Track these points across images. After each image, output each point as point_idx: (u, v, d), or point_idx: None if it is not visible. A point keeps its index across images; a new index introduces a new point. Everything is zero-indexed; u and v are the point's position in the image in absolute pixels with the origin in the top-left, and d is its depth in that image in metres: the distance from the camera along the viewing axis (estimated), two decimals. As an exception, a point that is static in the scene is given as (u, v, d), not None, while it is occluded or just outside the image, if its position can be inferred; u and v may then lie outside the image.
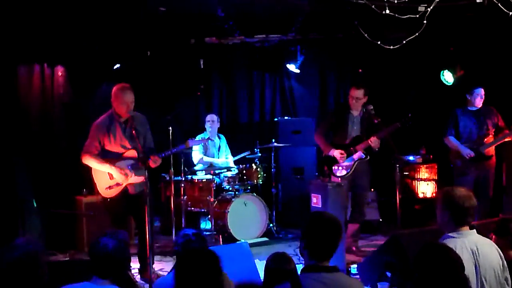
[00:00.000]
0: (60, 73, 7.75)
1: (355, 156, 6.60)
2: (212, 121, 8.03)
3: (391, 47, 6.75)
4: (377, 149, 6.53)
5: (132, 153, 5.65)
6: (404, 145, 7.65)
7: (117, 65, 7.92)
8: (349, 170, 6.60)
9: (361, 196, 6.79)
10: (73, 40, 7.33)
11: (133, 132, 5.51)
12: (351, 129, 6.67)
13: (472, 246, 3.52)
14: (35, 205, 6.85)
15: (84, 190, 7.35)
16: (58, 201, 7.34)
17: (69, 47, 7.43)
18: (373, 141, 6.45)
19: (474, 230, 3.64)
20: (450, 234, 3.59)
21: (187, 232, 3.85)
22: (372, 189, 8.02)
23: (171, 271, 4.37)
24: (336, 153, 6.56)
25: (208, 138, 7.83)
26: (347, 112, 6.68)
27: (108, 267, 3.28)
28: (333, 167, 6.62)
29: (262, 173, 7.74)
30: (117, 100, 5.62)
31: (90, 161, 5.63)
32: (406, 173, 8.34)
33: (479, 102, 6.87)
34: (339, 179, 6.50)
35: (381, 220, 7.99)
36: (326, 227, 3.17)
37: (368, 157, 6.64)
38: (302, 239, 3.20)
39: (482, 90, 6.86)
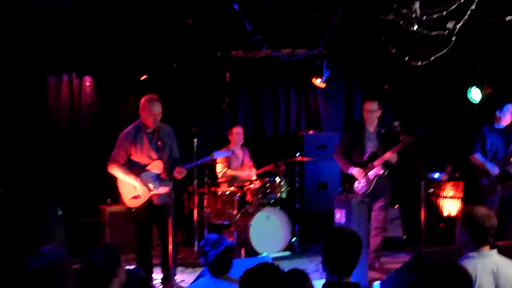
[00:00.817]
0: (88, 83, 7.90)
1: (374, 172, 6.62)
2: (237, 134, 8.09)
3: (419, 63, 6.75)
4: (395, 163, 6.55)
5: (158, 164, 5.72)
6: (430, 162, 7.61)
7: (144, 76, 8.03)
8: (368, 187, 6.63)
9: (382, 212, 6.77)
10: (102, 51, 7.46)
11: (159, 143, 5.59)
12: (367, 146, 6.73)
13: (493, 267, 3.47)
14: (60, 213, 6.93)
15: (109, 199, 7.44)
16: (83, 210, 7.44)
17: (97, 57, 7.56)
18: (389, 156, 6.49)
19: (495, 250, 3.59)
20: (470, 255, 3.55)
21: (212, 237, 3.91)
22: (396, 206, 8.00)
23: (192, 283, 4.43)
24: (355, 171, 6.62)
25: (232, 151, 7.87)
26: (363, 129, 6.74)
27: None
28: (354, 185, 6.66)
29: (285, 187, 7.75)
30: (144, 111, 5.71)
31: (115, 171, 5.72)
32: (431, 190, 8.29)
33: (508, 119, 6.83)
34: (360, 196, 6.50)
35: (405, 237, 7.94)
36: (345, 242, 3.20)
37: (387, 172, 6.64)
38: (322, 254, 3.22)
39: None
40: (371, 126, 6.74)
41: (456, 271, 2.99)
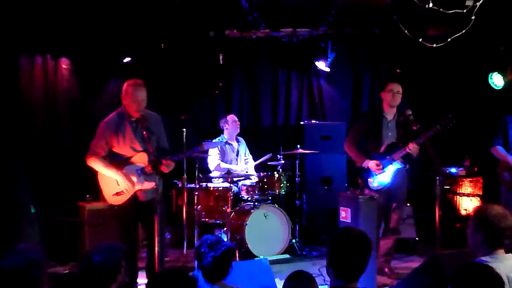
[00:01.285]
0: (64, 66, 7.85)
1: (392, 166, 6.58)
2: (232, 122, 8.08)
3: (434, 45, 6.74)
4: (415, 157, 6.51)
5: (143, 156, 5.70)
6: (446, 156, 7.61)
7: (128, 59, 7.99)
8: (386, 183, 6.59)
9: (397, 211, 6.77)
10: (80, 29, 7.42)
11: (144, 132, 5.56)
12: (386, 136, 6.66)
13: (508, 272, 3.43)
14: (33, 211, 6.91)
15: (88, 195, 7.43)
16: (60, 207, 7.44)
17: (74, 37, 7.52)
18: (412, 148, 6.43)
19: (511, 254, 3.59)
20: (483, 258, 3.51)
21: (211, 237, 3.92)
22: (409, 204, 7.99)
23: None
24: (372, 164, 6.55)
25: (226, 142, 7.87)
26: (381, 116, 6.68)
27: None
28: (368, 180, 6.61)
29: (285, 182, 7.75)
30: (127, 97, 5.68)
31: (95, 164, 5.70)
32: (448, 187, 8.30)
33: None
34: (376, 193, 6.47)
35: (417, 238, 7.95)
36: (353, 244, 3.20)
37: (407, 167, 6.63)
38: (327, 256, 3.22)
39: None
40: (390, 113, 6.68)
41: (489, 276, 2.99)
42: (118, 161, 5.70)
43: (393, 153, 6.56)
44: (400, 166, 6.58)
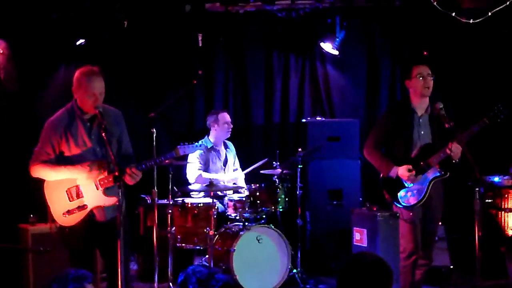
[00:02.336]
0: (1, 51, 7.82)
1: (430, 173, 6.54)
2: (223, 124, 8.12)
3: (471, 21, 6.74)
4: (458, 161, 6.45)
5: (100, 164, 5.67)
6: (487, 162, 7.61)
7: (81, 41, 7.97)
8: (422, 196, 6.54)
9: (432, 234, 6.74)
10: (20, 5, 7.39)
11: (103, 133, 5.53)
12: (418, 135, 6.62)
13: None
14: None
15: (32, 216, 7.39)
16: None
17: (13, 14, 7.49)
18: (454, 150, 6.39)
19: None
20: None
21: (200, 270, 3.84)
22: (440, 223, 7.98)
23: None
24: (403, 171, 6.47)
25: (211, 148, 7.85)
26: (410, 111, 6.63)
27: None
28: (399, 193, 6.54)
29: (283, 196, 7.73)
30: (81, 89, 5.65)
31: (41, 171, 5.66)
32: (490, 200, 8.28)
33: None
34: (409, 211, 6.42)
35: (452, 266, 7.95)
36: (367, 275, 3.19)
37: (448, 174, 6.58)
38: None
39: None
40: (421, 105, 6.62)
41: None
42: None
43: (430, 158, 6.51)
44: (439, 174, 6.54)
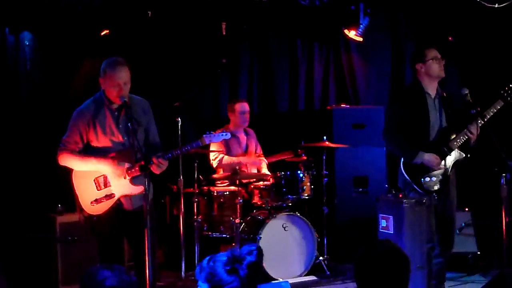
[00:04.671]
0: (27, 43, 7.87)
1: (451, 157, 6.52)
2: (239, 113, 8.08)
3: (496, 5, 6.69)
4: (474, 143, 6.45)
5: (128, 153, 5.71)
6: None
7: (106, 31, 7.99)
8: (445, 180, 6.53)
9: (452, 219, 6.71)
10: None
11: (129, 124, 5.56)
12: (434, 119, 6.59)
13: None
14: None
15: (60, 205, 7.44)
16: (23, 221, 7.45)
17: (39, 6, 7.53)
18: (473, 132, 6.37)
19: None
20: None
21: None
22: (467, 209, 7.95)
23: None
24: (430, 157, 6.44)
25: (232, 134, 7.87)
26: (424, 94, 6.58)
27: None
28: (423, 179, 6.51)
29: (309, 184, 7.74)
30: (106, 80, 5.68)
31: (69, 161, 5.71)
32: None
33: None
34: (434, 195, 6.41)
35: (479, 253, 7.92)
36: (382, 263, 3.21)
37: (468, 156, 6.55)
38: (355, 280, 3.22)
39: None
40: (432, 88, 6.60)
41: None
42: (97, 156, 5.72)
43: (450, 141, 6.49)
44: (462, 157, 6.52)
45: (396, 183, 6.72)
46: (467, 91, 6.41)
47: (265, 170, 8.20)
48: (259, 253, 3.45)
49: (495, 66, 8.92)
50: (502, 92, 6.39)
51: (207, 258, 3.48)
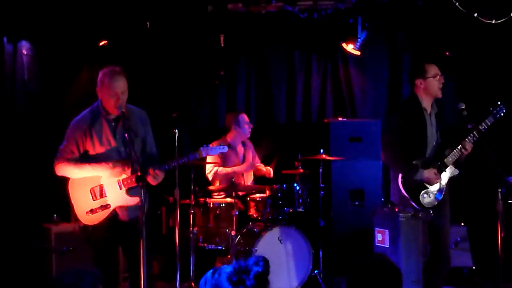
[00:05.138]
0: (25, 52, 7.88)
1: (447, 173, 6.55)
2: (244, 124, 8.15)
3: (493, 21, 6.71)
4: (463, 160, 6.50)
5: (124, 163, 5.70)
6: (509, 162, 7.58)
7: (104, 42, 8.01)
8: (440, 196, 6.54)
9: (447, 232, 6.72)
10: (44, 6, 7.43)
11: (126, 134, 5.56)
12: (430, 135, 6.62)
13: None
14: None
15: (55, 215, 7.43)
16: (18, 230, 7.44)
17: (38, 15, 7.54)
18: (468, 148, 6.40)
19: None
20: None
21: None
22: (462, 224, 7.96)
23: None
24: (429, 174, 6.46)
25: (229, 146, 7.85)
26: (421, 109, 6.61)
27: None
28: (421, 196, 6.52)
29: (305, 196, 7.74)
30: (103, 89, 5.68)
31: (65, 169, 5.70)
32: (513, 201, 8.26)
33: None
34: (429, 212, 6.42)
35: (474, 268, 7.91)
36: (374, 278, 3.21)
37: (462, 172, 6.58)
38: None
39: None
40: (428, 103, 6.63)
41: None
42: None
43: (445, 157, 6.51)
44: (456, 173, 6.55)
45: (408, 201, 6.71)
46: (463, 106, 6.44)
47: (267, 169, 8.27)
48: (266, 263, 3.45)
49: (492, 81, 8.94)
50: (491, 109, 6.41)
51: (212, 270, 3.47)
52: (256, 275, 3.35)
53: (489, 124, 6.40)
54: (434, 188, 6.50)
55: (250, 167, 8.20)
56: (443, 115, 6.75)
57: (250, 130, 8.19)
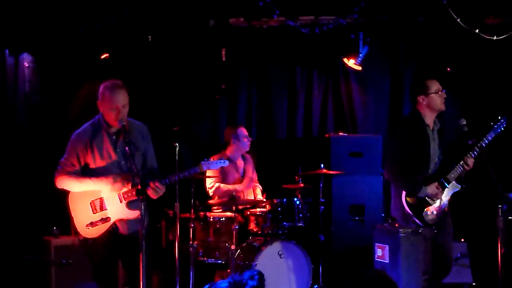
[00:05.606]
0: (27, 64, 7.90)
1: (449, 189, 6.55)
2: (243, 137, 8.14)
3: (494, 37, 6.73)
4: (464, 175, 6.50)
5: (124, 177, 5.71)
6: (510, 178, 7.58)
7: (106, 55, 8.02)
8: (441, 213, 6.55)
9: (450, 250, 6.72)
10: (46, 19, 7.45)
11: (127, 148, 5.57)
12: (433, 151, 6.63)
13: None
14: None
15: (55, 228, 7.42)
16: (18, 243, 7.43)
17: (40, 28, 7.56)
18: (470, 164, 6.41)
19: None
20: None
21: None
22: (463, 240, 7.95)
23: None
24: (432, 190, 6.49)
25: (229, 160, 7.85)
26: (424, 126, 6.62)
27: None
28: (425, 213, 6.51)
29: (305, 211, 7.73)
30: (104, 103, 5.70)
31: (66, 183, 5.71)
32: (513, 217, 8.25)
33: None
34: (432, 228, 6.43)
35: (474, 284, 7.90)
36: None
37: (464, 187, 6.58)
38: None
39: None
40: (431, 120, 6.65)
41: None
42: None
43: (448, 173, 6.51)
44: (458, 188, 6.55)
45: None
46: (464, 122, 6.45)
47: (259, 197, 8.20)
48: (261, 277, 3.45)
49: (493, 97, 8.95)
50: (492, 124, 6.42)
51: (207, 285, 3.46)
52: None
53: (490, 139, 6.42)
54: (436, 204, 6.50)
55: (250, 182, 8.20)
56: (445, 130, 6.73)
57: (249, 143, 8.19)
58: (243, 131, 8.19)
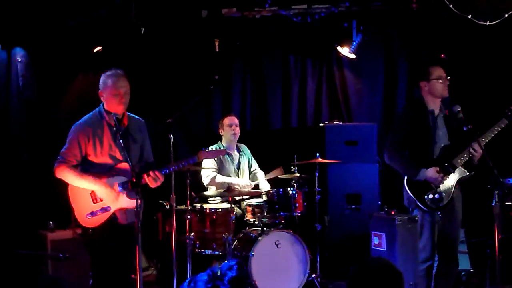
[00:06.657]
0: (19, 59, 7.87)
1: (455, 175, 6.54)
2: (227, 127, 8.12)
3: (487, 23, 6.72)
4: (477, 162, 6.46)
5: (125, 166, 5.71)
6: (506, 164, 7.58)
7: (99, 48, 8.00)
8: (449, 198, 6.55)
9: (455, 238, 6.72)
10: (37, 12, 7.43)
11: (124, 140, 5.59)
12: (438, 136, 6.62)
13: None
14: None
15: (51, 222, 7.42)
16: (13, 237, 7.42)
17: (31, 22, 7.54)
18: (478, 150, 6.39)
19: None
20: None
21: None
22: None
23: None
24: (432, 173, 6.47)
25: (226, 152, 7.84)
26: (427, 112, 6.62)
27: None
28: (427, 196, 6.53)
29: (301, 201, 7.74)
30: (106, 90, 5.72)
31: (66, 174, 5.71)
32: (509, 203, 8.25)
33: None
34: (438, 212, 6.43)
35: (472, 270, 7.92)
36: (375, 281, 3.20)
37: (472, 174, 6.57)
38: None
39: None
40: (435, 106, 6.63)
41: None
42: (95, 173, 5.71)
43: (454, 159, 6.50)
44: (466, 175, 6.54)
45: (391, 200, 6.72)
46: (459, 108, 6.44)
47: (263, 182, 8.27)
48: (240, 267, 3.46)
49: (488, 83, 8.95)
50: (506, 111, 6.40)
51: (188, 280, 3.46)
52: (231, 280, 3.38)
53: (503, 126, 6.39)
54: (441, 189, 6.48)
55: (248, 186, 8.21)
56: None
57: (235, 131, 8.18)
58: (230, 119, 8.19)
